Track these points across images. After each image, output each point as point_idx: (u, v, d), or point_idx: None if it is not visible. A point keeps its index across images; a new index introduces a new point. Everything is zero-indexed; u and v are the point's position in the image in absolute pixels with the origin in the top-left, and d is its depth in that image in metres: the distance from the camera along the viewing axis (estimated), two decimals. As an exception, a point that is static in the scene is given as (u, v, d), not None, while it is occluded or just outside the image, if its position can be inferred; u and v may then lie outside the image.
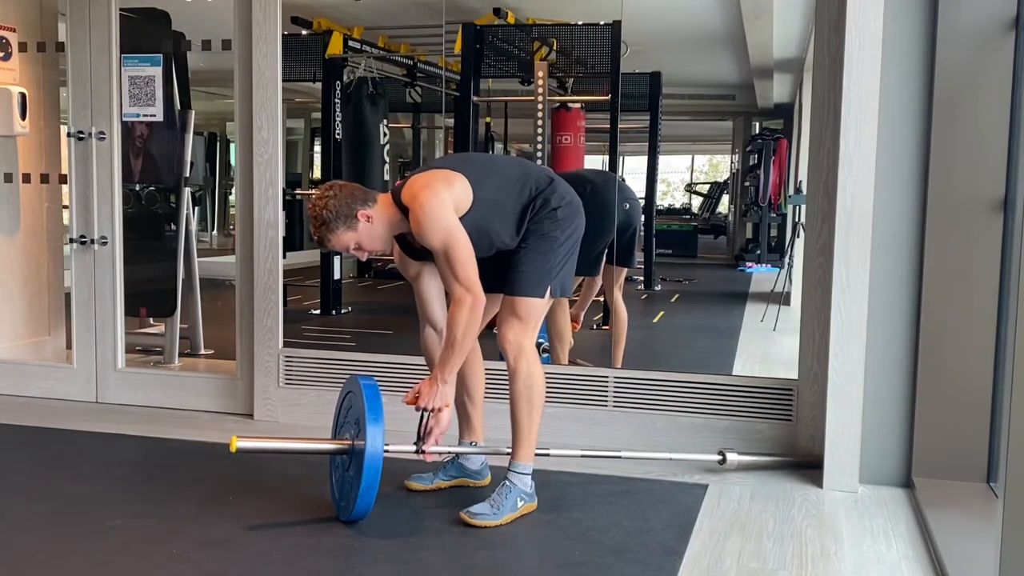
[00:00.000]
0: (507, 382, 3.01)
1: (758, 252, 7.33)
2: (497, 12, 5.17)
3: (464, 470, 3.23)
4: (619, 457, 3.33)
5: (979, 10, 3.10)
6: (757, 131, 7.70)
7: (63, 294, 4.94)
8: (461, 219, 2.87)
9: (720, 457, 3.37)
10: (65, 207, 4.72)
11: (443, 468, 3.23)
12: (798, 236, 4.97)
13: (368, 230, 2.91)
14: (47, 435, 3.89)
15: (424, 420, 2.93)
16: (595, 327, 4.79)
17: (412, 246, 3.04)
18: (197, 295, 5.26)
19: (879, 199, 3.19)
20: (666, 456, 3.40)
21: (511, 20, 5.24)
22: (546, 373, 3.71)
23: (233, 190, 4.29)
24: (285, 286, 4.20)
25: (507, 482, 2.97)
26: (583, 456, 3.28)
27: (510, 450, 3.04)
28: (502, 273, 3.00)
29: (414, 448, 2.93)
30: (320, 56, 5.88)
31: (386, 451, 2.74)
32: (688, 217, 9.62)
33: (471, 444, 3.22)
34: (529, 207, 2.98)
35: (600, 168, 4.70)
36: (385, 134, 6.02)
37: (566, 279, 3.07)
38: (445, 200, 2.85)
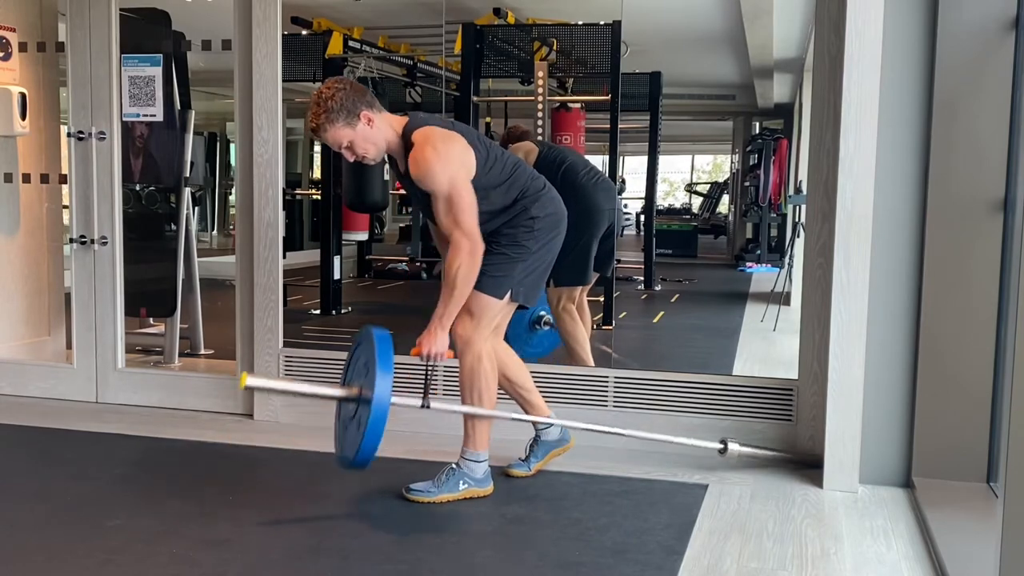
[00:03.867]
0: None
1: (758, 252, 7.33)
2: (497, 12, 5.17)
3: (549, 445, 3.36)
4: (622, 435, 3.30)
5: (979, 10, 3.10)
6: (757, 131, 7.71)
7: (63, 294, 4.94)
8: None
9: (721, 446, 3.36)
10: (65, 207, 4.72)
11: (532, 453, 3.34)
12: (798, 236, 4.97)
13: (365, 132, 2.96)
14: (47, 435, 3.89)
15: (428, 375, 2.97)
16: (596, 327, 4.79)
17: (400, 173, 3.10)
18: (197, 295, 5.26)
19: (879, 199, 3.20)
20: (668, 439, 3.35)
21: (511, 20, 5.24)
22: (546, 373, 3.75)
23: (233, 190, 4.29)
24: (285, 286, 4.20)
25: (454, 465, 3.09)
26: (586, 429, 3.27)
27: (520, 416, 3.10)
28: None
29: (419, 403, 2.96)
30: (320, 56, 5.88)
31: (392, 403, 2.75)
32: (688, 217, 9.62)
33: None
34: (508, 209, 3.05)
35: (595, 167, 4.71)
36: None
37: (532, 287, 3.13)
38: (459, 153, 2.94)
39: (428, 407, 2.96)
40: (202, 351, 5.29)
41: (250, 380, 2.82)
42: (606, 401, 3.75)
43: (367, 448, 2.72)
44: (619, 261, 5.94)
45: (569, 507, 3.04)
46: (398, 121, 3.03)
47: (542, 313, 4.33)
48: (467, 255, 2.89)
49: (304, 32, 5.81)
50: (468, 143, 3.00)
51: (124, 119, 4.38)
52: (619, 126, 4.86)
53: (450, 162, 2.91)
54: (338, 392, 2.94)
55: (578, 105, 5.23)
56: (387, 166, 3.11)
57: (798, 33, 6.09)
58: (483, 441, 3.11)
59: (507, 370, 3.23)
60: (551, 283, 4.10)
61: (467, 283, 2.92)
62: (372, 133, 2.97)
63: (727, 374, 4.02)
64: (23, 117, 4.46)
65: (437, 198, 2.93)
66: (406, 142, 2.98)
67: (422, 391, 2.96)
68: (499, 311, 3.09)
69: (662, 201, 9.38)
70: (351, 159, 3.03)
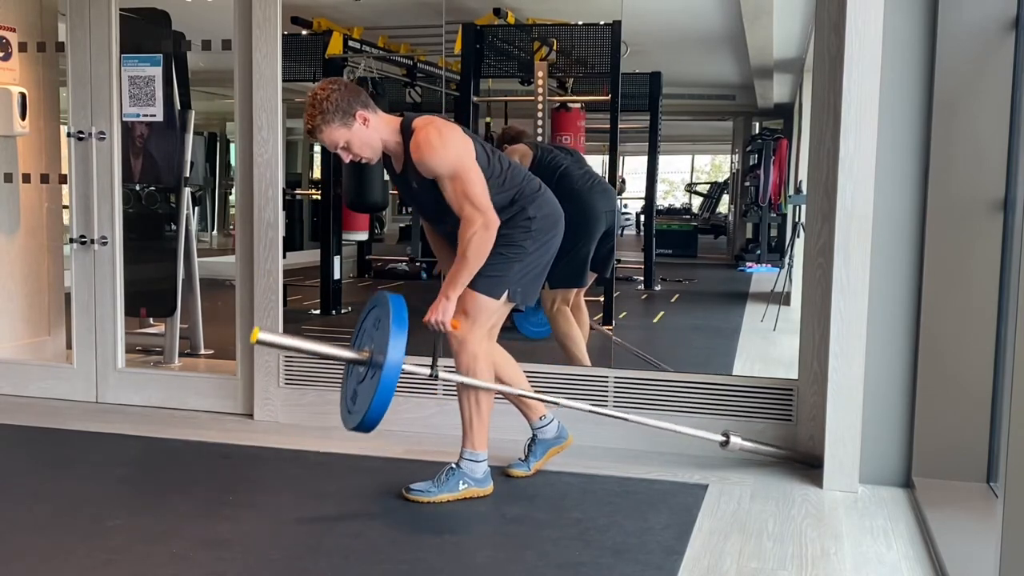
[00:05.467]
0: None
1: (758, 252, 7.32)
2: (497, 12, 5.16)
3: (546, 443, 3.36)
4: (626, 420, 3.30)
5: (979, 10, 3.10)
6: (757, 131, 7.70)
7: (63, 294, 4.94)
8: None
9: (723, 438, 3.35)
10: (65, 207, 4.72)
11: (531, 452, 3.34)
12: (798, 236, 4.97)
13: (361, 133, 2.96)
14: (47, 435, 3.89)
15: (436, 345, 2.99)
16: (595, 327, 4.79)
17: (396, 173, 3.11)
18: (197, 295, 5.26)
19: (879, 199, 3.20)
20: (671, 427, 3.33)
21: (511, 20, 5.24)
22: (546, 374, 3.75)
23: (233, 190, 4.29)
24: (285, 286, 4.19)
25: (454, 465, 3.10)
26: (591, 411, 3.26)
27: (525, 393, 3.19)
28: None
29: (428, 372, 2.97)
30: (320, 56, 5.87)
31: (403, 368, 2.76)
32: (688, 217, 9.62)
33: (541, 418, 3.33)
34: (505, 209, 3.05)
35: (591, 168, 4.71)
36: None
37: (529, 288, 3.13)
38: (461, 137, 2.97)
39: (437, 376, 2.98)
40: (202, 351, 5.29)
41: (262, 335, 2.82)
42: (606, 401, 3.75)
43: (376, 410, 2.73)
44: (619, 261, 5.95)
45: (569, 507, 3.04)
46: (394, 119, 3.03)
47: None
48: (481, 227, 2.90)
49: (304, 32, 5.81)
50: (466, 135, 3.03)
51: (124, 119, 4.38)
52: (619, 126, 4.86)
53: (453, 142, 2.94)
54: (349, 354, 2.93)
55: (578, 105, 5.23)
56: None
57: (798, 33, 6.08)
58: (482, 441, 3.11)
59: (501, 372, 3.23)
60: (546, 285, 4.10)
61: (479, 255, 2.92)
62: (368, 133, 2.97)
63: (727, 374, 4.02)
64: (23, 117, 4.46)
65: (444, 181, 2.93)
66: (405, 133, 2.98)
67: (431, 359, 2.98)
68: (495, 312, 3.09)
69: (662, 201, 9.37)
70: (347, 160, 3.02)
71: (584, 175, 4.44)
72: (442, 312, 2.95)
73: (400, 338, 2.73)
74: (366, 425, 2.78)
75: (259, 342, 2.81)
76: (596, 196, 4.36)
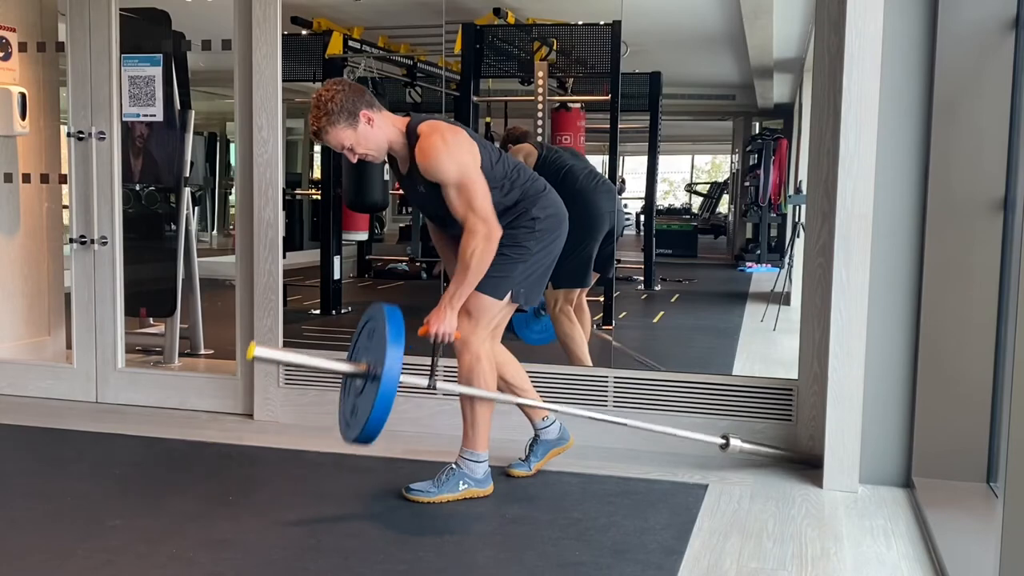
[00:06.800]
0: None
1: (758, 252, 7.32)
2: (497, 12, 5.17)
3: (548, 444, 3.36)
4: (624, 424, 3.28)
5: (979, 10, 3.10)
6: (757, 131, 7.70)
7: (63, 294, 4.94)
8: None
9: (723, 441, 3.35)
10: (65, 207, 4.72)
11: (532, 452, 3.34)
12: (798, 236, 4.97)
13: (366, 132, 2.96)
14: (47, 435, 3.89)
15: (435, 356, 2.95)
16: (595, 327, 4.79)
17: (402, 176, 3.11)
18: (197, 295, 5.26)
19: (879, 199, 3.20)
20: (671, 431, 3.32)
21: (511, 20, 5.24)
22: (546, 373, 3.75)
23: (233, 190, 4.29)
24: (285, 286, 4.19)
25: (454, 465, 3.10)
26: (589, 418, 3.25)
27: (524, 400, 3.20)
28: None
29: (426, 383, 2.94)
30: (320, 56, 5.87)
31: (400, 381, 2.72)
32: (688, 217, 9.61)
33: (544, 419, 3.33)
34: (510, 210, 3.05)
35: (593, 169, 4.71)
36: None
37: (532, 288, 3.13)
38: (466, 143, 2.95)
39: (434, 388, 2.96)
40: (202, 351, 5.29)
41: (258, 351, 2.78)
42: (606, 401, 3.75)
43: (375, 421, 2.70)
44: (619, 261, 5.94)
45: (569, 507, 3.04)
46: (400, 120, 3.03)
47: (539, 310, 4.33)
48: (483, 239, 2.89)
49: (304, 32, 5.81)
50: (472, 139, 3.02)
51: (124, 119, 4.38)
52: (619, 126, 4.86)
53: (458, 149, 2.92)
54: (347, 367, 2.89)
55: (578, 105, 5.23)
56: (387, 166, 3.11)
57: (798, 33, 6.09)
58: (483, 441, 3.11)
59: (504, 371, 3.23)
60: (550, 285, 4.11)
61: (481, 267, 2.91)
62: (373, 133, 2.97)
63: (727, 374, 4.02)
64: (23, 117, 4.46)
65: (448, 187, 2.93)
66: (411, 137, 2.98)
67: (429, 371, 2.94)
68: (498, 312, 3.09)
69: (662, 201, 9.36)
70: (354, 160, 3.03)
71: (589, 175, 4.44)
72: (446, 324, 2.92)
73: (397, 348, 2.70)
74: (366, 436, 2.74)
75: (256, 358, 2.78)
76: (601, 196, 4.35)
